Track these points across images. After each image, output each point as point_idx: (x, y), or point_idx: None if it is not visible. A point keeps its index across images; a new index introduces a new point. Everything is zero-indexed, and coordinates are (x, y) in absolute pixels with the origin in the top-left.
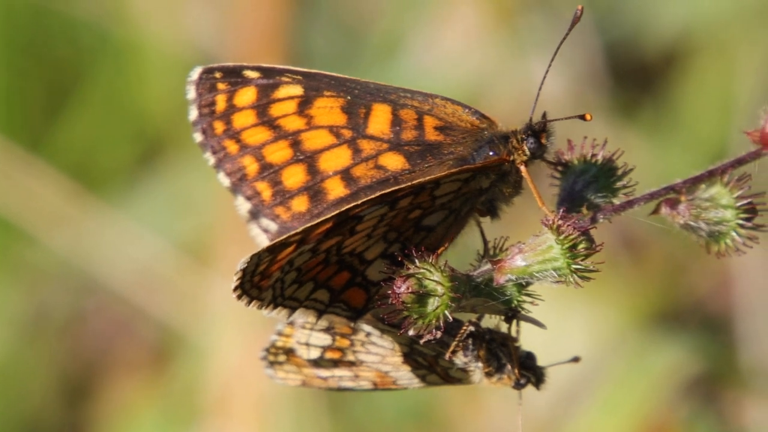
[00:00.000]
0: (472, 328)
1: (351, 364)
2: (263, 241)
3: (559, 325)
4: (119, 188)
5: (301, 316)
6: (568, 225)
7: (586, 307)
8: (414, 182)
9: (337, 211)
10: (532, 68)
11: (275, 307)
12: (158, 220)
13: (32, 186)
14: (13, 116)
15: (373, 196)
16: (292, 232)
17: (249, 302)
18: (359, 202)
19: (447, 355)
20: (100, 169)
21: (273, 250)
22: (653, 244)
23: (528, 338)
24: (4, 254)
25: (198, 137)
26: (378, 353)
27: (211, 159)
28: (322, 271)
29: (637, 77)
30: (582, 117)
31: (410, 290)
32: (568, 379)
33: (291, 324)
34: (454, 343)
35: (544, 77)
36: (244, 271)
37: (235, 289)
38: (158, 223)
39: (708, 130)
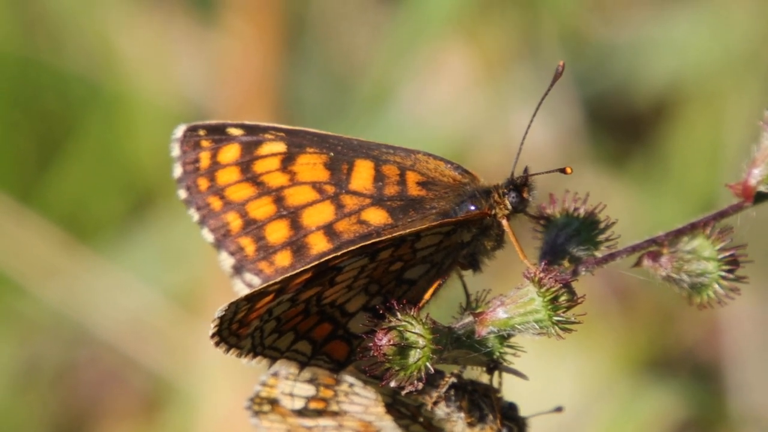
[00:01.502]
0: (454, 380)
1: (335, 414)
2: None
3: (548, 374)
4: (110, 239)
5: (284, 367)
6: (550, 278)
7: (575, 356)
8: (394, 235)
9: (317, 262)
10: (519, 120)
11: (255, 356)
12: (149, 270)
13: (23, 237)
14: (3, 168)
15: (353, 248)
16: (271, 282)
17: (227, 350)
18: (339, 253)
19: (429, 406)
20: (91, 220)
21: (251, 298)
22: (642, 293)
23: (515, 388)
24: None
25: (182, 194)
26: (361, 404)
27: (195, 215)
28: (303, 322)
29: (627, 128)
30: (563, 170)
31: (392, 342)
32: (558, 429)
33: (275, 374)
34: (436, 394)
35: (526, 132)
36: (221, 318)
37: (213, 335)
38: (148, 274)
39: (697, 180)
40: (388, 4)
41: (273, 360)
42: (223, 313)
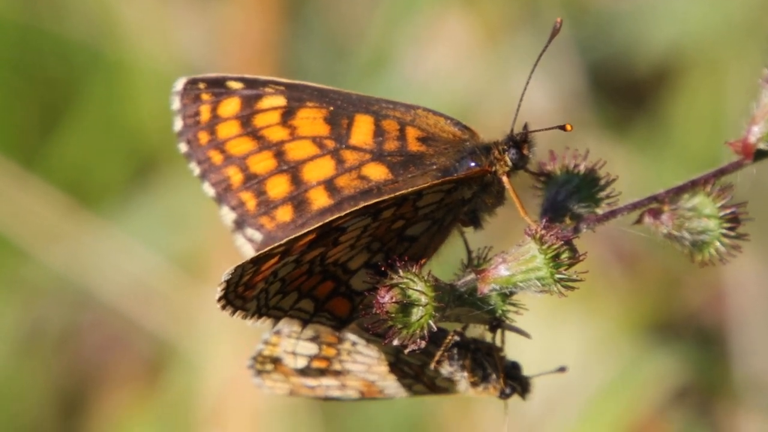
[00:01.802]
0: (457, 338)
1: (337, 373)
2: (249, 251)
3: (551, 335)
4: (113, 204)
5: (287, 326)
6: (551, 234)
7: (577, 317)
8: (397, 194)
9: (321, 223)
10: (519, 85)
11: (260, 317)
12: (152, 235)
13: (26, 202)
14: (6, 134)
15: (356, 208)
16: (276, 244)
17: (233, 312)
18: (342, 213)
19: (432, 365)
20: (94, 185)
21: (257, 261)
22: (646, 256)
23: (519, 349)
24: (0, 270)
25: (183, 147)
26: (364, 362)
27: (196, 169)
28: (306, 282)
29: (628, 94)
30: (562, 127)
31: (394, 300)
32: (558, 389)
33: (277, 333)
34: (439, 352)
35: (526, 86)
36: (228, 282)
37: (219, 299)
38: (152, 238)
39: (698, 145)
40: None
41: (277, 319)
42: (230, 276)
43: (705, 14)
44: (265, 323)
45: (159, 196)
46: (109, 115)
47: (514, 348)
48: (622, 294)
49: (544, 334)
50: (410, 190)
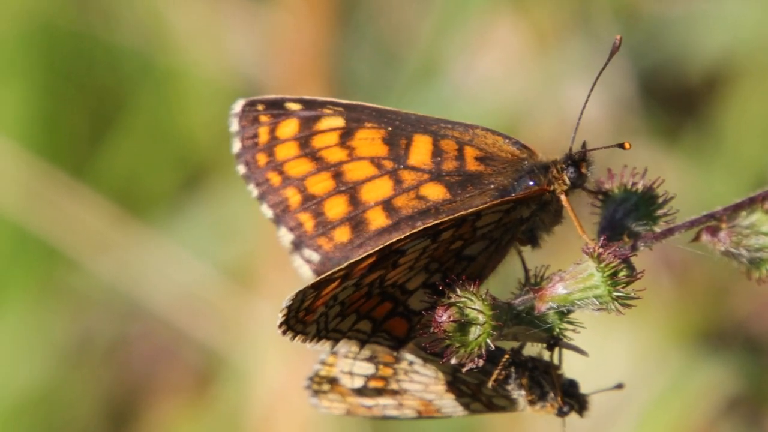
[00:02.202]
0: (514, 356)
1: (395, 392)
2: (306, 272)
3: (601, 348)
4: (163, 214)
5: (344, 347)
6: (609, 253)
7: (627, 330)
8: (456, 215)
9: (380, 246)
10: (571, 93)
11: (319, 340)
12: (201, 244)
13: (76, 212)
14: (56, 142)
15: (415, 230)
16: (337, 268)
17: (294, 337)
18: (402, 236)
19: (490, 384)
20: (144, 195)
21: (318, 286)
22: (695, 266)
23: (570, 363)
24: (49, 280)
25: (241, 169)
26: (421, 382)
27: (254, 191)
28: (365, 304)
29: (679, 102)
30: (621, 146)
31: (452, 319)
32: (610, 402)
33: (334, 353)
34: (497, 371)
35: (584, 107)
36: (289, 308)
37: (281, 325)
38: (201, 248)
39: (750, 153)
40: None
41: (335, 342)
42: (291, 302)
43: (757, 20)
44: (323, 346)
45: (208, 205)
46: (159, 124)
47: (564, 364)
48: (671, 304)
49: (593, 345)
50: (469, 211)
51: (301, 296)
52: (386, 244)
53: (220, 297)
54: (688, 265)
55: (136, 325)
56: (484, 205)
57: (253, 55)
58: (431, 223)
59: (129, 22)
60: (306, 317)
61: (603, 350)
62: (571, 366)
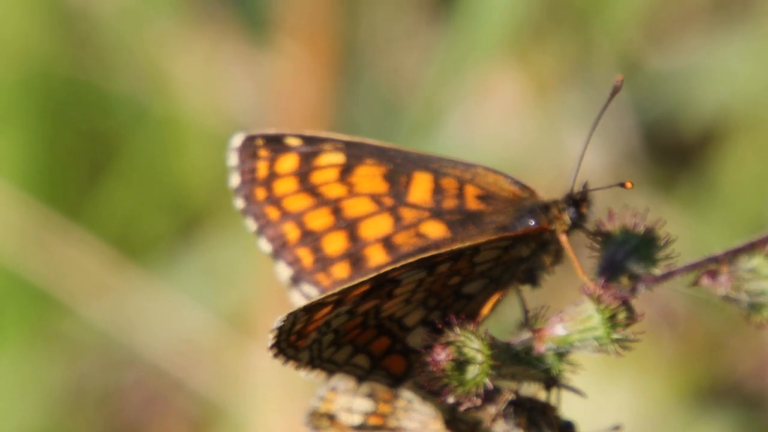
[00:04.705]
0: (512, 396)
1: (393, 430)
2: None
3: (600, 396)
4: (158, 260)
5: (342, 381)
6: (609, 294)
7: (627, 379)
8: (453, 248)
9: (375, 274)
10: (570, 142)
11: (313, 369)
12: (197, 292)
13: (71, 257)
14: (52, 187)
15: (411, 260)
16: (329, 293)
17: (285, 361)
18: (397, 265)
19: (488, 423)
20: (139, 241)
21: (309, 309)
22: (694, 319)
23: (568, 405)
24: (43, 326)
25: (240, 203)
26: (420, 420)
27: (252, 225)
28: (361, 335)
29: (676, 154)
30: (622, 185)
31: (450, 358)
32: None
33: (333, 389)
34: (495, 410)
35: (585, 147)
36: (280, 329)
37: (272, 347)
38: (197, 295)
39: (745, 205)
40: (438, 25)
41: (331, 373)
42: (282, 323)
43: (753, 74)
44: (318, 376)
45: (204, 252)
46: (154, 171)
47: (562, 407)
48: (670, 357)
49: (592, 388)
50: (466, 244)
51: (293, 318)
52: (381, 272)
53: (216, 344)
54: (687, 318)
55: (130, 372)
56: (481, 240)
57: (251, 103)
58: (427, 254)
59: (125, 69)
60: (298, 342)
61: (602, 400)
62: (569, 408)
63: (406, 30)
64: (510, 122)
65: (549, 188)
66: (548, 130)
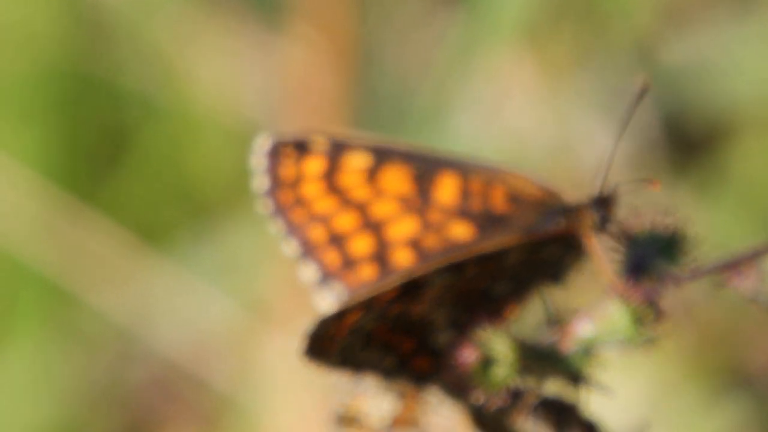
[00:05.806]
0: (540, 396)
1: (420, 430)
2: (331, 310)
3: (616, 385)
4: (173, 250)
5: (370, 382)
6: (636, 293)
7: (643, 368)
8: (481, 251)
9: (404, 279)
10: (584, 129)
11: (342, 373)
12: (213, 281)
13: (87, 245)
14: (61, 184)
15: (440, 265)
16: (360, 299)
17: (316, 367)
18: (426, 269)
19: (515, 423)
20: (153, 231)
21: (340, 315)
22: (711, 309)
23: (591, 405)
24: (57, 318)
25: (266, 207)
26: (447, 420)
27: (278, 228)
28: (389, 337)
29: (697, 144)
30: (649, 183)
31: (477, 358)
32: None
33: (360, 390)
34: (522, 410)
35: (613, 150)
36: (311, 335)
37: (304, 353)
38: (212, 285)
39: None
40: (452, 10)
41: (359, 374)
42: (313, 330)
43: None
44: (346, 379)
45: (219, 243)
46: (166, 165)
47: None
48: (686, 344)
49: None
50: (495, 248)
51: (323, 325)
52: (410, 277)
53: (232, 334)
54: (705, 308)
55: (145, 366)
56: (510, 243)
57: (265, 90)
58: (456, 258)
59: (138, 61)
60: (329, 347)
61: (617, 384)
62: (590, 404)
63: (419, 15)
64: (523, 109)
65: (562, 178)
66: (562, 117)
